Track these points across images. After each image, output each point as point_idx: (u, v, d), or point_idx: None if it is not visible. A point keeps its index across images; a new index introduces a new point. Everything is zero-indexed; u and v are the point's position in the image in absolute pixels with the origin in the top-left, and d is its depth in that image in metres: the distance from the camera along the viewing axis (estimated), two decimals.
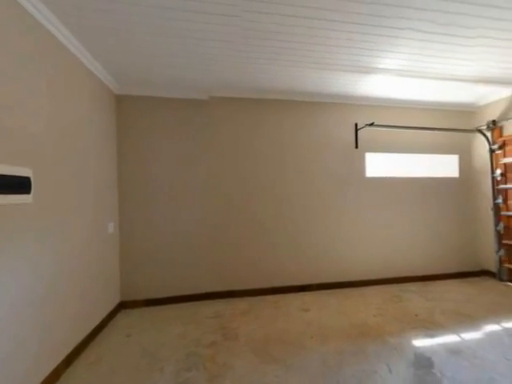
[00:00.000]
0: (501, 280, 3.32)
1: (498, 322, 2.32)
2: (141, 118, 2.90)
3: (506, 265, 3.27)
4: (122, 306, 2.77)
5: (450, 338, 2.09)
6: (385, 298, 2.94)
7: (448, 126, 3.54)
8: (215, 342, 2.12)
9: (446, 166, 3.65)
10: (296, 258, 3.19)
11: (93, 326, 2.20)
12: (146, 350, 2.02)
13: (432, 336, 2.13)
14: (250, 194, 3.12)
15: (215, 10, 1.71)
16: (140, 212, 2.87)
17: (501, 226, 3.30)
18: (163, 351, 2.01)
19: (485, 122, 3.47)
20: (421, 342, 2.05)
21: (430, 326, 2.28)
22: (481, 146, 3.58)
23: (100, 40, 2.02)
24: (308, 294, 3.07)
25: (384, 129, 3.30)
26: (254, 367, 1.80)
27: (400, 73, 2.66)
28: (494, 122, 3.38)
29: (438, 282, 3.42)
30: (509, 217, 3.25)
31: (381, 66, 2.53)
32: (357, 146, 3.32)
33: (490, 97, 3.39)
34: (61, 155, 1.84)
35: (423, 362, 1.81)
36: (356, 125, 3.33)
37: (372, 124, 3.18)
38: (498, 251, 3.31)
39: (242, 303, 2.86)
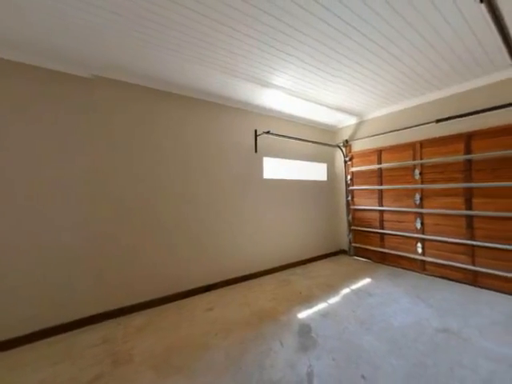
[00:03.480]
0: (350, 256, 4.62)
1: (348, 286, 3.20)
2: None
3: (353, 244, 4.59)
4: None
5: (322, 306, 2.70)
6: (278, 283, 3.41)
7: (320, 140, 4.56)
8: (101, 374, 1.76)
9: (318, 172, 4.69)
10: (200, 259, 3.15)
11: None
12: None
13: (311, 307, 2.67)
14: (148, 194, 2.80)
15: None
16: None
17: (350, 216, 4.59)
18: None
19: (341, 140, 4.72)
20: (303, 314, 2.52)
21: (310, 300, 2.85)
22: (340, 158, 4.83)
23: None
24: (213, 293, 3.10)
25: (277, 137, 3.83)
26: None
27: (288, 91, 3.17)
28: (346, 140, 4.65)
29: (314, 263, 4.33)
30: (354, 210, 4.57)
31: (275, 82, 2.91)
32: (256, 151, 3.68)
33: (345, 122, 4.65)
34: None
35: (305, 330, 2.24)
36: (256, 131, 3.68)
37: (268, 132, 3.61)
38: (348, 235, 4.60)
39: (138, 318, 2.52)
